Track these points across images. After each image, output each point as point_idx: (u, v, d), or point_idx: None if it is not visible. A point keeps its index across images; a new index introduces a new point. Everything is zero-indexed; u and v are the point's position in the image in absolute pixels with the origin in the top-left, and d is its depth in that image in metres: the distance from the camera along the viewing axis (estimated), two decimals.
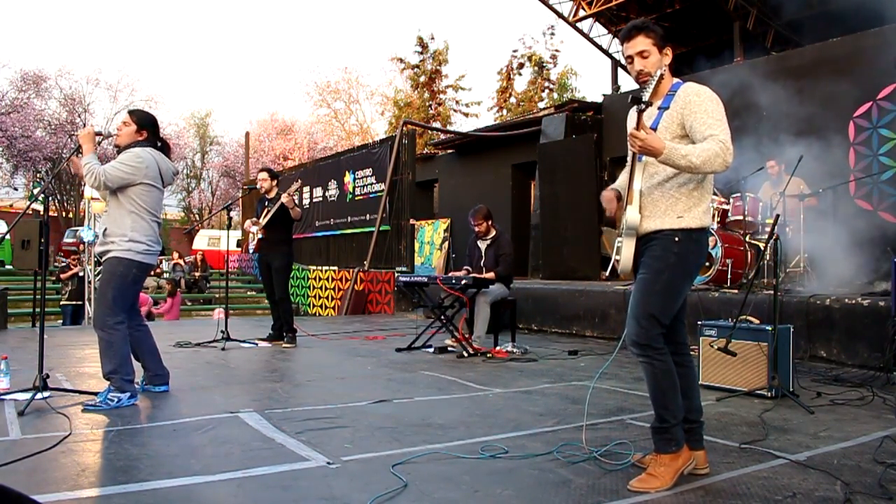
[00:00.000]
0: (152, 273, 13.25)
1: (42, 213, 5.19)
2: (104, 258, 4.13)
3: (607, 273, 2.85)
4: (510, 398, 4.33)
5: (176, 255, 18.45)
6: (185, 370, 5.17)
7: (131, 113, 4.29)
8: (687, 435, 2.72)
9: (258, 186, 7.07)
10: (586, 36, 16.63)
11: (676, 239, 2.65)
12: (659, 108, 2.72)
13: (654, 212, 2.70)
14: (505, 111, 28.57)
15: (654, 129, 2.67)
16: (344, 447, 3.09)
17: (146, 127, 4.21)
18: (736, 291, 6.45)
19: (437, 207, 16.47)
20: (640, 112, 2.56)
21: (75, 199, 27.79)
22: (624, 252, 2.72)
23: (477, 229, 6.60)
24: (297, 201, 7.14)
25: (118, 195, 4.08)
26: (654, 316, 2.62)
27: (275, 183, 7.09)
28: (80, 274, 11.60)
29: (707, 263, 6.81)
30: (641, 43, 2.71)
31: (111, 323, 3.99)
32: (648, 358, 2.63)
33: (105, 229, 4.12)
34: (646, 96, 2.57)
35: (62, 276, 11.96)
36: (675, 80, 2.77)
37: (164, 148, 4.32)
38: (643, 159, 2.70)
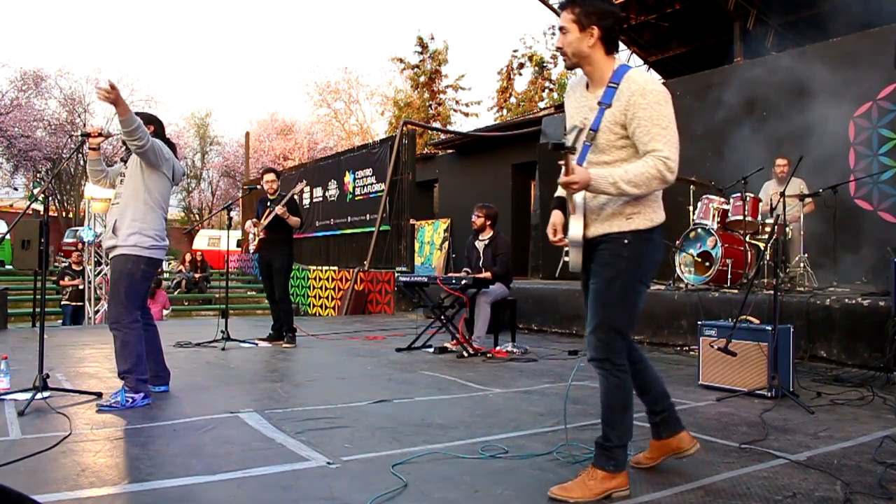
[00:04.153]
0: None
1: (42, 213, 5.19)
2: (112, 255, 4.10)
3: (556, 273, 2.72)
4: (510, 398, 4.33)
5: (188, 256, 18.41)
6: (185, 370, 5.17)
7: (144, 115, 4.33)
8: (662, 424, 2.68)
9: (266, 188, 7.04)
10: None
11: (626, 242, 2.47)
12: (599, 104, 2.47)
13: (601, 215, 2.51)
14: (505, 111, 28.58)
15: (596, 130, 2.47)
16: (344, 447, 3.09)
17: (153, 122, 4.25)
18: (736, 291, 6.45)
19: (437, 207, 16.48)
20: (567, 156, 2.34)
21: (75, 199, 27.80)
22: (572, 257, 2.58)
23: (476, 221, 6.57)
24: (298, 202, 7.13)
25: (135, 185, 4.06)
26: (613, 328, 2.46)
27: (279, 182, 7.12)
28: (80, 287, 11.60)
29: (707, 263, 6.81)
30: (563, 18, 2.47)
31: (126, 322, 3.97)
32: (605, 372, 2.49)
33: (115, 221, 4.04)
34: (569, 142, 2.38)
35: (61, 283, 11.96)
36: (620, 63, 2.49)
37: (171, 149, 4.34)
38: (585, 161, 2.50)
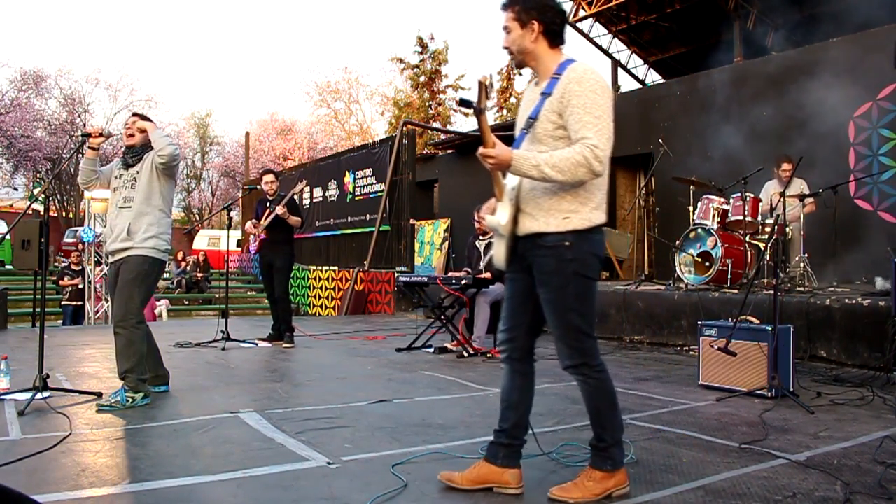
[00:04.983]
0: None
1: (42, 213, 5.21)
2: (125, 255, 4.07)
3: (482, 265, 2.63)
4: None
5: (180, 254, 18.42)
6: (185, 370, 5.17)
7: (141, 116, 4.38)
8: (505, 449, 2.52)
9: (266, 189, 7.04)
10: (586, 36, 16.64)
11: (567, 244, 2.38)
12: (542, 94, 2.44)
13: (536, 210, 2.43)
14: (505, 111, 28.57)
15: (535, 118, 2.45)
16: (344, 447, 3.09)
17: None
18: (736, 291, 6.45)
19: (437, 207, 16.46)
20: (478, 117, 2.30)
21: (75, 199, 27.78)
22: (496, 251, 2.54)
23: (478, 225, 6.57)
24: (298, 201, 7.14)
25: (149, 191, 4.13)
26: (580, 331, 2.42)
27: (279, 183, 7.12)
28: (80, 287, 11.61)
29: (707, 263, 6.81)
30: (505, 18, 2.47)
31: (134, 322, 3.99)
32: (583, 376, 2.46)
33: (129, 225, 4.05)
34: (477, 100, 2.33)
35: (61, 282, 11.96)
36: (565, 58, 2.46)
37: None
38: (522, 144, 2.46)
